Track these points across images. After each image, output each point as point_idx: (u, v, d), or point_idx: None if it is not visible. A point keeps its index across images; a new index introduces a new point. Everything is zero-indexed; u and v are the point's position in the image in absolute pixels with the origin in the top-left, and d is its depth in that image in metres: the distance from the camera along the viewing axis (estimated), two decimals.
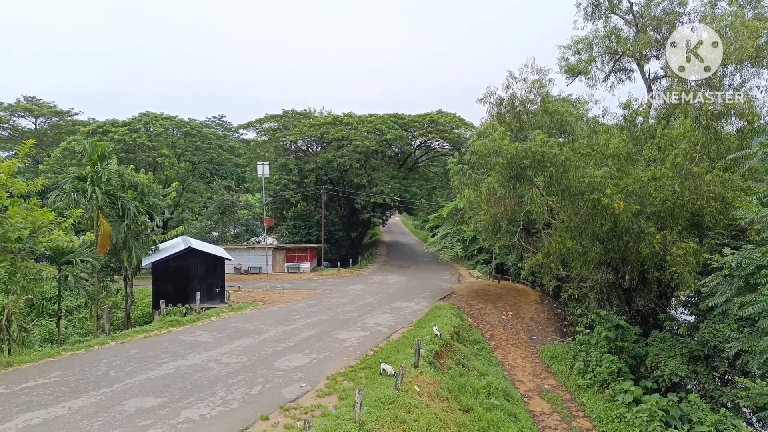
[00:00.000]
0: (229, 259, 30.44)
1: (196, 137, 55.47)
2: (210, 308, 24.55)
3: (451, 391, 14.80)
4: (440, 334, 19.09)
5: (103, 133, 47.23)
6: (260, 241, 51.22)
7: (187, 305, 24.88)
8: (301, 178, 52.73)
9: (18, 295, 17.95)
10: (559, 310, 31.48)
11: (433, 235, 45.67)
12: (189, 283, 26.60)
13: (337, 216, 55.23)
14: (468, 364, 18.54)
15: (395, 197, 49.61)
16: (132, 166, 30.58)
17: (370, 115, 52.53)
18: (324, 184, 51.00)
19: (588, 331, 22.68)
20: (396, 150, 55.06)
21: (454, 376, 16.33)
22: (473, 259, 44.72)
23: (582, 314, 25.77)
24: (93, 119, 60.87)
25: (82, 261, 22.34)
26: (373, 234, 73.49)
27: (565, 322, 29.38)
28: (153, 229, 28.47)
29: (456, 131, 50.96)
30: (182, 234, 33.69)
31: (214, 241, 45.11)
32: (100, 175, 23.95)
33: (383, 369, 13.56)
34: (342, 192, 52.19)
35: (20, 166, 18.90)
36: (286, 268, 45.11)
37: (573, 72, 31.04)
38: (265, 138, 57.27)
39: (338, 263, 46.01)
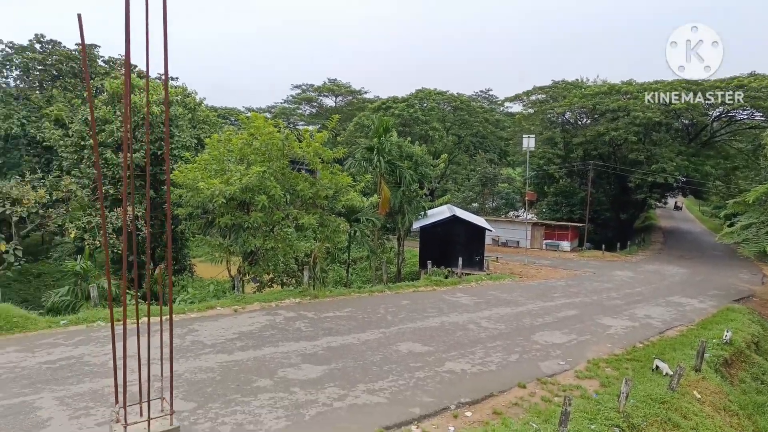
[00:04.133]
0: (490, 230, 31.25)
1: (464, 111, 57.89)
2: (469, 274, 25.79)
3: (744, 407, 12.42)
4: (731, 340, 16.07)
5: (385, 109, 53.22)
6: (519, 216, 51.08)
7: (448, 269, 26.65)
8: (566, 153, 50.18)
9: (322, 243, 21.94)
10: None
11: (731, 225, 38.16)
12: (451, 248, 28.36)
13: (605, 195, 50.96)
14: None
15: (680, 177, 43.07)
16: (408, 138, 33.73)
17: (656, 82, 46.21)
18: (592, 160, 47.46)
19: None
20: (685, 122, 47.41)
21: (749, 392, 13.65)
22: None
23: None
24: (378, 97, 69.04)
25: (366, 220, 25.95)
26: (646, 217, 65.63)
27: None
28: (422, 197, 31.06)
29: None
30: (447, 203, 35.97)
31: (475, 212, 46.82)
32: (384, 146, 27.17)
33: (656, 365, 12.19)
34: (613, 169, 47.78)
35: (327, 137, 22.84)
36: (544, 245, 44.04)
37: None
38: (531, 111, 56.13)
39: (603, 246, 42.61)
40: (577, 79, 55.00)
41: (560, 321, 16.73)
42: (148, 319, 3.44)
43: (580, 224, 45.77)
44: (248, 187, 17.72)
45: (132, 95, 26.57)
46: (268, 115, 67.23)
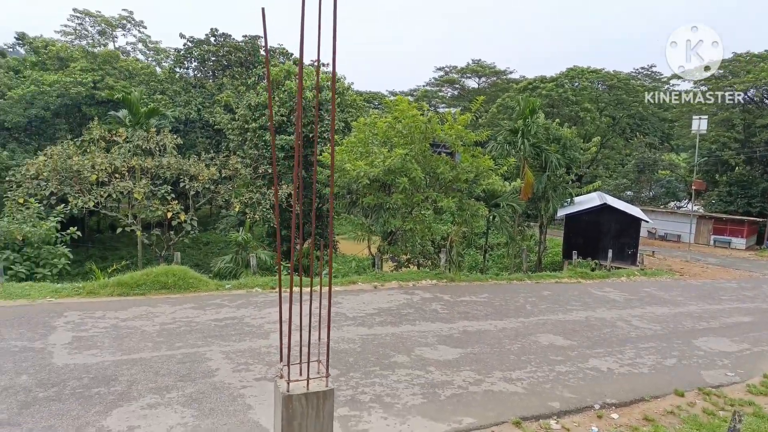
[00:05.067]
0: (646, 221, 28.49)
1: (621, 90, 52.98)
2: (620, 268, 23.83)
3: None
4: None
5: (532, 89, 50.82)
6: (681, 207, 45.79)
7: (596, 260, 24.88)
8: (746, 136, 43.47)
9: (459, 226, 21.85)
10: None
11: None
12: (600, 239, 26.41)
13: None
14: None
15: None
16: (556, 120, 31.86)
17: None
18: None
19: None
20: None
21: None
22: None
23: None
24: (523, 77, 66.17)
25: (507, 205, 25.22)
26: None
27: None
28: (569, 183, 29.29)
29: None
30: (597, 190, 33.45)
31: (628, 201, 42.94)
32: (529, 128, 26.06)
33: None
34: None
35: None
36: (712, 241, 38.97)
37: None
38: (703, 88, 49.48)
39: None
40: (767, 50, 47.09)
41: (729, 327, 14.70)
42: (311, 287, 3.69)
43: (760, 219, 39.55)
44: (391, 169, 18.21)
45: (288, 81, 28.74)
46: (410, 98, 68.21)
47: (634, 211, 29.11)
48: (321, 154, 23.78)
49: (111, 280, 13.55)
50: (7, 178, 23.20)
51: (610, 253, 24.21)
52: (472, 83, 71.89)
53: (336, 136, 25.12)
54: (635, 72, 71.27)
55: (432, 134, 19.56)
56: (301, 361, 3.50)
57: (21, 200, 19.61)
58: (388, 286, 15.61)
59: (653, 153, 48.39)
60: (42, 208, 18.79)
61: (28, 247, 15.97)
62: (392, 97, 35.20)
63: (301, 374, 3.46)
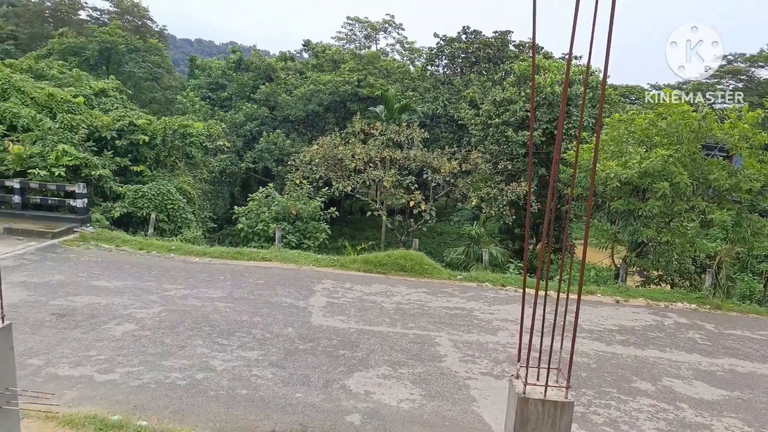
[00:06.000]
0: None
1: None
2: None
3: None
4: None
5: None
6: None
7: None
8: None
9: (732, 245, 18.14)
10: None
11: None
12: None
13: None
14: None
15: None
16: None
17: None
18: None
19: None
20: None
21: None
22: None
23: None
24: None
25: None
26: None
27: None
28: None
29: None
30: None
31: None
32: None
33: None
34: None
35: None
36: None
37: None
38: None
39: None
40: None
41: None
42: (558, 292, 3.40)
43: None
44: (648, 172, 16.06)
45: (536, 76, 27.83)
46: (678, 92, 59.40)
47: None
48: (565, 152, 22.48)
49: (359, 257, 15.15)
50: (288, 162, 28.00)
51: None
52: (764, 73, 58.85)
53: (585, 134, 23.40)
54: None
55: (706, 134, 16.60)
56: (539, 365, 3.24)
57: (297, 181, 23.44)
58: (633, 302, 13.89)
59: None
60: (311, 189, 22.15)
61: (299, 221, 19.00)
62: (655, 91, 31.16)
63: (538, 379, 3.20)
